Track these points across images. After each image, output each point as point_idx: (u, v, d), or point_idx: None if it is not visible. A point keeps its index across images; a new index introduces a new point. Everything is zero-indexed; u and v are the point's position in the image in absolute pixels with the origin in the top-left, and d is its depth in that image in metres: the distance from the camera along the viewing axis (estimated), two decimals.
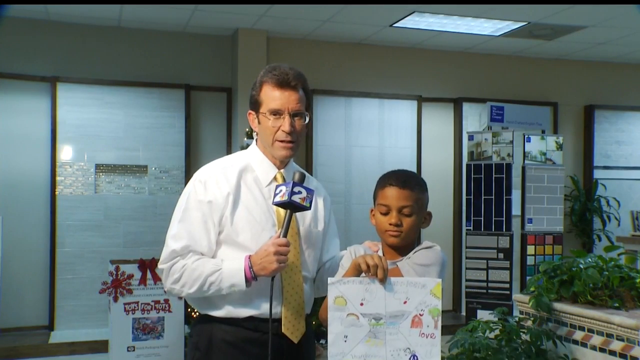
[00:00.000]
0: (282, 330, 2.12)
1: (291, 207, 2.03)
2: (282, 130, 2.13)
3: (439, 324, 1.87)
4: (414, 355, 1.86)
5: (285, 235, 2.04)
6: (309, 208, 2.07)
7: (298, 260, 2.18)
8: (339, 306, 1.87)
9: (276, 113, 2.14)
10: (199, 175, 2.21)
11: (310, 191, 2.06)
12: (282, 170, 2.23)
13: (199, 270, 2.09)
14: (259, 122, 2.19)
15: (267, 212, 2.17)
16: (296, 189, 2.01)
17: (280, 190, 2.04)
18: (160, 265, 2.16)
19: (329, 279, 1.91)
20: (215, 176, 2.17)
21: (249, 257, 2.07)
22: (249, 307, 2.13)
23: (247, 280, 2.05)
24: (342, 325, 1.87)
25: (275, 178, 2.22)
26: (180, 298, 4.49)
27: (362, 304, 1.87)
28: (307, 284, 2.25)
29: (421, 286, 1.87)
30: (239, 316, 2.13)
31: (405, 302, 1.87)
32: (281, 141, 2.15)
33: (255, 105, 2.19)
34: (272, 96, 2.14)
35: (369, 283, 1.88)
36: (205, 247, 2.13)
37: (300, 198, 2.02)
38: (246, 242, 2.13)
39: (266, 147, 2.21)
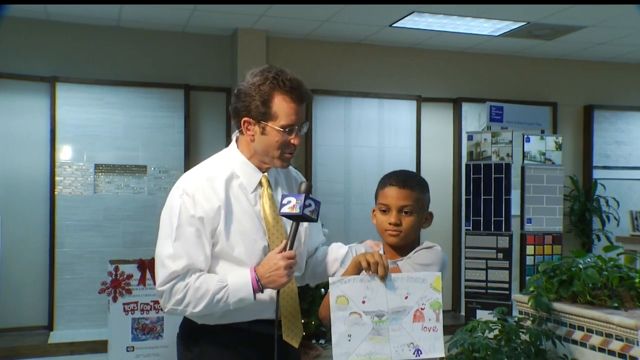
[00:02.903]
0: (284, 338, 2.12)
1: (299, 218, 2.02)
2: (293, 144, 2.11)
3: (441, 317, 1.88)
4: (418, 350, 1.86)
5: (292, 247, 2.03)
6: (315, 220, 2.06)
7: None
8: (341, 305, 1.87)
9: (291, 128, 2.09)
10: (184, 187, 2.12)
11: (317, 203, 2.05)
12: (265, 174, 2.19)
13: (204, 288, 2.03)
14: (262, 133, 2.10)
15: (256, 220, 2.14)
16: (307, 202, 2.00)
17: (289, 202, 2.01)
18: (159, 288, 2.07)
19: (330, 278, 1.91)
20: (203, 189, 2.09)
21: (254, 269, 2.05)
22: (242, 315, 2.12)
23: (253, 293, 2.05)
24: (345, 324, 1.87)
25: (260, 183, 2.17)
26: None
27: (364, 302, 1.87)
28: (297, 282, 2.26)
29: (421, 281, 1.88)
30: (232, 321, 2.13)
31: (406, 298, 1.87)
32: (289, 154, 2.13)
33: (264, 116, 2.08)
34: (289, 112, 2.07)
35: (370, 281, 1.88)
36: (202, 262, 2.07)
37: (309, 211, 2.01)
38: (241, 255, 2.10)
39: (262, 156, 2.14)
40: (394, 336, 1.86)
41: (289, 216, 2.03)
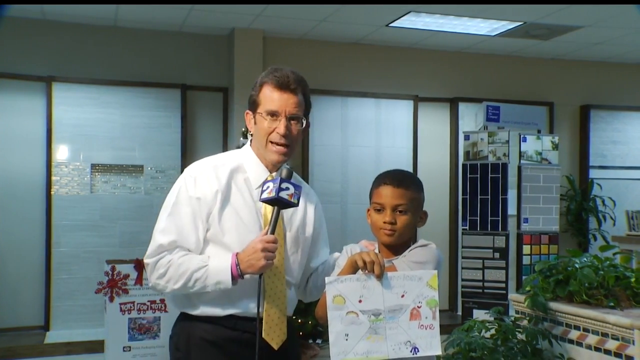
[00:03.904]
0: (263, 336, 2.10)
1: (278, 203, 2.01)
2: (277, 133, 2.12)
3: (437, 314, 1.88)
4: (415, 348, 1.86)
5: (272, 232, 2.02)
6: (296, 205, 2.04)
7: (282, 266, 2.17)
8: (337, 305, 1.87)
9: (273, 114, 2.13)
10: (190, 170, 2.19)
11: (297, 187, 2.03)
12: (273, 174, 2.20)
13: (185, 265, 2.07)
14: (255, 122, 2.18)
15: (255, 215, 2.16)
16: (283, 185, 1.99)
17: (268, 187, 2.01)
18: (146, 260, 2.14)
19: (326, 278, 1.91)
20: (206, 173, 2.15)
21: (236, 254, 2.06)
22: (228, 305, 2.12)
23: (233, 278, 2.04)
24: (342, 323, 1.87)
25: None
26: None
27: (360, 301, 1.87)
28: (290, 289, 2.23)
29: (417, 279, 1.88)
30: (218, 315, 2.12)
31: (402, 296, 1.87)
32: (275, 143, 2.14)
33: (253, 105, 2.18)
34: (271, 97, 2.13)
35: (366, 280, 1.88)
36: (192, 243, 2.11)
37: (287, 194, 2.00)
38: (232, 243, 2.11)
39: (260, 149, 2.19)
40: (391, 334, 1.86)
41: (268, 201, 2.02)
